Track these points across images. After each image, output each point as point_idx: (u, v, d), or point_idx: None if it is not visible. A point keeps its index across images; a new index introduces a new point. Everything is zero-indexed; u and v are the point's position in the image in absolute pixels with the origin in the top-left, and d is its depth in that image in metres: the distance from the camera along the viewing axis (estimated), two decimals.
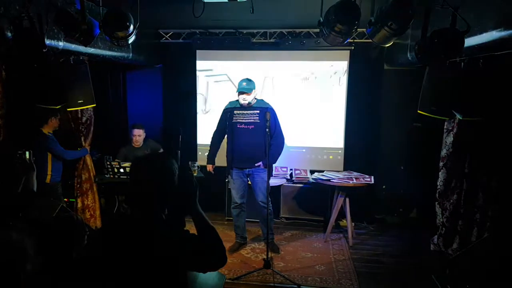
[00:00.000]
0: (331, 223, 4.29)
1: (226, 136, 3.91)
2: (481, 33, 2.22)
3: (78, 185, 4.36)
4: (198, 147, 5.11)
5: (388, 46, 4.19)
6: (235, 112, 3.78)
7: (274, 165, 4.54)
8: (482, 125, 3.42)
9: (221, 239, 1.48)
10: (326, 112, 4.82)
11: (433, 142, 4.16)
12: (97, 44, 3.45)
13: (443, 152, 3.89)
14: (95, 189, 4.39)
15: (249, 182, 3.97)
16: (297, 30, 4.71)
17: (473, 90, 2.87)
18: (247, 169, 3.81)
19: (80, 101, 3.47)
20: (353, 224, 4.47)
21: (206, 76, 5.01)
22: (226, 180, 4.46)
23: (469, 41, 2.39)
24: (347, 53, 4.67)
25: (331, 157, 4.90)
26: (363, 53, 4.69)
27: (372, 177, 4.18)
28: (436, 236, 4.07)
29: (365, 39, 4.46)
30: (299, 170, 4.91)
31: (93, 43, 3.28)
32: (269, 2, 3.66)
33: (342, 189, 4.12)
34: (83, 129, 4.21)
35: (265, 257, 3.51)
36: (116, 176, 4.16)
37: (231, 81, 4.89)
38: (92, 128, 4.27)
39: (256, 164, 3.75)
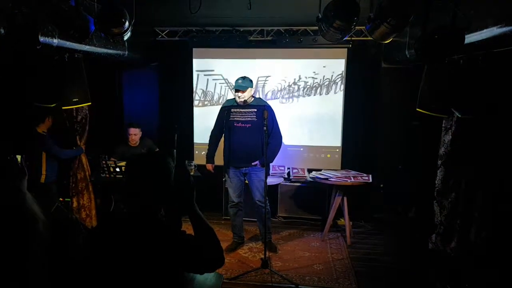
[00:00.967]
0: (328, 222, 4.27)
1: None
2: (481, 29, 2.20)
3: (74, 185, 4.31)
4: (194, 146, 5.07)
5: (385, 44, 4.18)
6: (232, 110, 3.74)
7: (271, 164, 4.52)
8: (481, 123, 3.41)
9: (218, 239, 1.45)
10: (323, 111, 4.80)
11: (432, 140, 4.14)
12: (92, 41, 3.40)
13: (441, 150, 3.87)
14: (90, 188, 4.34)
15: (246, 182, 3.93)
16: (294, 28, 4.67)
17: (472, 88, 2.85)
18: (244, 168, 3.77)
19: (75, 100, 3.44)
20: (351, 223, 4.45)
21: (205, 75, 4.97)
22: (224, 179, 4.43)
23: (469, 38, 2.37)
24: (344, 51, 4.65)
25: (328, 155, 4.88)
26: (360, 51, 4.67)
27: (370, 175, 4.15)
28: (434, 234, 4.05)
29: (363, 37, 4.44)
30: (296, 169, 4.88)
31: (88, 40, 3.25)
32: (264, 0, 3.62)
33: (340, 188, 4.09)
34: (78, 128, 4.16)
35: (262, 256, 3.48)
36: (112, 176, 4.12)
37: (226, 82, 4.86)
38: (87, 127, 4.22)
39: (253, 163, 3.72)
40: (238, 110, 3.72)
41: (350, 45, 4.61)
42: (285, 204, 4.82)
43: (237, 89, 3.64)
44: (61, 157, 4.03)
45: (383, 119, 4.78)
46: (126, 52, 4.10)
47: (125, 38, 2.59)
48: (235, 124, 3.71)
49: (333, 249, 4.04)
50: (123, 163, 4.12)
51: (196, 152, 5.06)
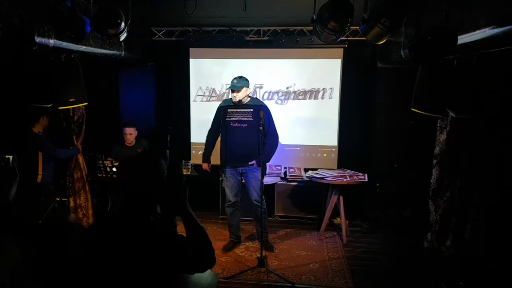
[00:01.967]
0: (325, 221, 4.30)
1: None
2: (474, 30, 2.22)
3: (70, 184, 4.31)
4: (191, 146, 5.09)
5: (381, 44, 4.20)
6: (228, 110, 3.76)
7: (268, 164, 4.54)
8: (475, 123, 3.44)
9: (210, 240, 1.47)
10: (320, 110, 4.82)
11: (427, 140, 4.17)
12: (89, 42, 3.40)
13: (436, 149, 3.90)
14: (87, 188, 4.34)
15: (243, 181, 3.95)
16: (291, 28, 4.69)
17: (466, 88, 2.88)
18: (241, 168, 3.79)
19: (71, 100, 3.45)
20: (347, 222, 4.47)
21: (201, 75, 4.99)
22: (220, 179, 4.44)
23: (462, 39, 2.39)
24: (340, 51, 4.67)
25: (325, 155, 4.90)
26: (356, 51, 4.70)
27: (366, 175, 4.18)
28: (429, 233, 4.08)
29: (359, 37, 4.46)
30: (293, 168, 4.91)
31: (85, 40, 3.25)
32: (260, 0, 3.64)
33: (336, 187, 4.12)
34: (75, 128, 4.16)
35: (259, 255, 3.50)
36: (109, 175, 4.12)
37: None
38: (84, 127, 4.22)
39: (249, 163, 3.73)
40: (234, 110, 3.74)
41: (346, 45, 4.63)
42: (282, 203, 4.84)
43: (232, 89, 3.66)
44: (57, 157, 4.03)
45: (379, 118, 4.81)
46: (123, 52, 4.10)
47: (121, 38, 2.61)
48: (231, 124, 3.73)
49: (329, 248, 4.07)
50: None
51: (193, 151, 5.07)
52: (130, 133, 4.44)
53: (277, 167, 4.89)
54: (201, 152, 4.03)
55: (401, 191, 4.82)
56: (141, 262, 1.33)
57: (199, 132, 4.85)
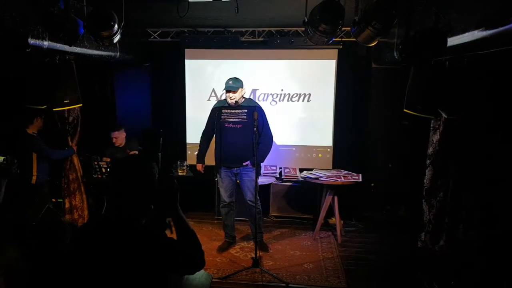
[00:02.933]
0: (319, 221, 4.32)
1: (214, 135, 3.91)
2: (463, 32, 2.25)
3: (66, 185, 4.32)
4: (187, 146, 5.10)
5: (375, 45, 4.23)
6: (223, 111, 3.78)
7: (263, 164, 4.56)
8: (468, 124, 3.47)
9: (200, 243, 1.49)
10: (315, 110, 4.85)
11: (421, 140, 4.19)
12: (83, 43, 3.42)
13: (430, 150, 3.93)
14: (82, 189, 4.35)
15: (238, 181, 3.97)
16: (286, 29, 4.71)
17: (458, 89, 2.91)
18: (235, 168, 3.81)
19: (66, 101, 3.46)
20: (341, 221, 4.50)
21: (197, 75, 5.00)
22: (215, 179, 4.46)
23: (453, 41, 2.42)
24: (335, 51, 4.69)
25: (320, 155, 4.93)
26: (351, 51, 4.72)
27: (360, 175, 4.21)
28: (423, 233, 4.11)
29: (353, 37, 4.48)
30: (288, 168, 4.93)
31: (79, 42, 3.27)
32: (254, 2, 3.65)
33: (331, 187, 4.15)
34: (69, 129, 4.17)
35: (254, 256, 3.52)
36: (104, 176, 4.14)
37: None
38: (79, 128, 4.23)
39: (244, 163, 3.75)
40: (229, 111, 3.76)
41: (341, 46, 4.65)
42: (277, 203, 4.86)
43: (228, 89, 3.67)
44: (52, 158, 4.04)
45: (374, 118, 4.84)
46: (118, 53, 4.11)
47: (115, 40, 2.62)
48: (226, 125, 3.75)
49: (324, 248, 4.09)
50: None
51: (189, 152, 5.09)
52: (116, 137, 4.44)
53: (272, 168, 4.91)
54: (196, 152, 4.04)
55: (395, 191, 4.85)
56: (132, 263, 1.35)
57: (194, 132, 4.86)
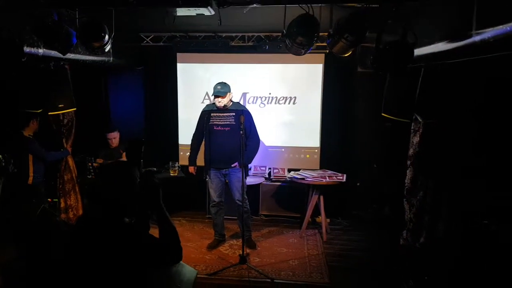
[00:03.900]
0: (306, 219, 4.49)
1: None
2: (429, 44, 2.42)
3: (61, 186, 4.47)
4: (179, 147, 5.26)
5: (360, 50, 4.41)
6: (212, 114, 3.93)
7: (252, 164, 4.73)
8: (445, 126, 3.64)
9: (179, 239, 1.65)
10: (302, 113, 5.01)
11: (403, 141, 4.36)
12: (77, 49, 3.56)
13: (410, 151, 4.10)
14: (77, 189, 4.50)
15: (227, 182, 4.12)
16: (274, 34, 4.87)
17: (432, 94, 3.08)
18: (224, 169, 3.97)
19: (60, 105, 3.61)
20: (328, 220, 4.68)
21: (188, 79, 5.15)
22: (205, 179, 4.62)
23: (422, 50, 2.59)
24: (322, 56, 4.86)
25: (308, 156, 5.10)
26: (337, 56, 4.85)
27: (345, 175, 4.38)
28: (405, 231, 4.29)
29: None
30: (277, 168, 5.10)
31: (73, 48, 3.40)
32: (240, 9, 3.80)
33: (316, 187, 4.31)
34: (64, 131, 4.32)
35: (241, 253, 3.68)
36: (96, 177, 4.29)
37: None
38: (73, 130, 4.37)
39: (232, 165, 3.91)
40: (217, 114, 3.92)
41: (328, 51, 4.79)
42: (267, 202, 5.02)
43: (217, 95, 3.82)
44: (47, 159, 4.18)
45: (359, 121, 5.01)
46: (111, 58, 4.26)
47: (106, 50, 2.77)
48: (214, 128, 3.90)
49: (310, 245, 4.26)
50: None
51: (181, 153, 5.24)
52: (115, 137, 4.62)
53: (261, 168, 5.08)
54: (188, 153, 4.20)
55: (380, 190, 5.02)
56: (116, 259, 1.51)
57: (186, 134, 5.02)
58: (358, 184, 5.08)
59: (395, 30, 2.47)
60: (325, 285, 3.44)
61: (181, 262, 2.77)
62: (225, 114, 3.90)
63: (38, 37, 2.69)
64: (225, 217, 4.26)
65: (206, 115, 3.97)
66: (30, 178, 4.09)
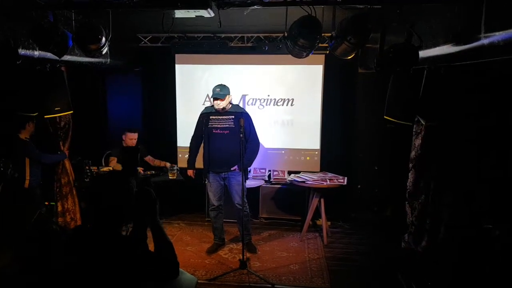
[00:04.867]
0: (306, 223, 4.44)
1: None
2: (434, 47, 2.37)
3: (58, 189, 4.40)
4: (178, 150, 5.20)
5: (361, 50, 4.35)
6: (210, 117, 3.87)
7: (252, 167, 4.68)
8: (447, 129, 3.59)
9: (175, 254, 1.59)
10: (302, 114, 4.96)
11: (405, 143, 4.31)
12: (74, 51, 3.49)
13: (412, 154, 4.05)
14: (74, 192, 4.43)
15: (226, 185, 4.06)
16: (274, 35, 4.81)
17: (435, 96, 3.03)
18: (223, 173, 3.91)
19: (57, 109, 3.54)
20: (329, 223, 4.63)
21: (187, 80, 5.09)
22: (204, 182, 4.56)
23: (427, 53, 2.54)
24: (322, 57, 4.80)
25: (308, 158, 5.05)
26: (337, 57, 4.80)
27: (346, 178, 4.33)
28: (406, 234, 4.24)
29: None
30: (277, 171, 5.04)
31: (70, 50, 3.35)
32: (238, 14, 3.75)
33: (317, 190, 4.26)
34: (61, 134, 4.24)
35: (241, 257, 3.63)
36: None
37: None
38: (70, 133, 4.30)
39: (231, 168, 3.86)
40: (216, 117, 3.86)
41: (328, 52, 4.75)
42: (267, 205, 4.97)
43: (216, 97, 3.76)
44: (44, 162, 4.11)
45: (360, 122, 4.96)
46: (109, 60, 4.19)
47: (103, 52, 2.71)
48: (213, 131, 3.85)
49: (310, 249, 4.21)
50: (106, 169, 4.25)
51: (180, 155, 5.18)
52: (135, 138, 4.58)
53: (261, 170, 5.02)
54: (187, 156, 4.14)
55: (381, 193, 4.98)
56: (111, 270, 1.45)
57: (185, 136, 4.95)
58: (359, 186, 5.04)
59: (399, 32, 2.42)
60: None
61: (181, 270, 2.72)
62: (224, 117, 3.84)
63: (34, 40, 2.62)
64: (224, 220, 4.21)
65: (205, 118, 3.91)
66: (27, 182, 4.03)
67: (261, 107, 5.00)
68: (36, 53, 3.03)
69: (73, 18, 2.76)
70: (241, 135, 3.53)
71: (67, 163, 4.39)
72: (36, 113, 3.48)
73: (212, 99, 3.84)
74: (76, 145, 4.46)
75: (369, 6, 2.38)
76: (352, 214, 5.07)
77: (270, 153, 5.02)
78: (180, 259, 1.66)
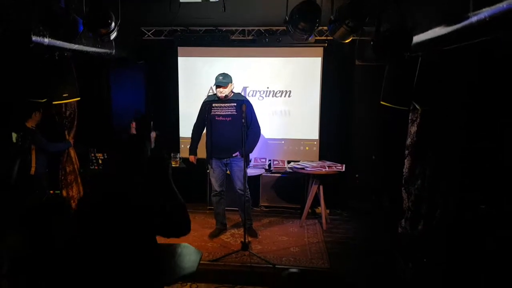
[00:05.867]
0: (306, 209, 4.56)
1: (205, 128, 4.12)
2: (427, 30, 2.50)
3: (63, 177, 4.50)
4: (180, 140, 5.32)
5: (358, 43, 4.50)
6: (213, 105, 3.99)
7: (252, 156, 4.79)
8: (441, 115, 3.73)
9: (187, 212, 1.71)
10: (302, 105, 5.09)
11: (401, 132, 4.44)
12: (81, 41, 3.61)
13: (408, 141, 4.18)
14: (79, 180, 4.54)
15: (228, 172, 4.18)
16: (274, 28, 4.95)
17: (429, 81, 3.16)
18: (226, 159, 4.03)
19: (65, 95, 3.66)
20: (327, 210, 4.75)
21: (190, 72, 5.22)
22: (207, 171, 4.68)
23: (420, 37, 2.67)
24: (320, 49, 4.94)
25: (307, 148, 5.17)
26: (335, 49, 4.97)
27: (344, 165, 4.46)
28: (403, 219, 4.37)
29: (330, 35, 4.73)
30: (277, 160, 5.17)
31: (77, 39, 3.47)
32: (243, 2, 3.88)
33: (316, 176, 4.39)
34: (66, 123, 4.36)
35: (243, 240, 3.74)
36: (101, 167, 4.34)
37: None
38: (75, 122, 4.42)
39: (233, 154, 3.97)
40: (219, 104, 3.98)
41: (326, 44, 4.90)
42: (267, 194, 5.09)
43: (219, 85, 3.89)
44: (50, 150, 4.22)
45: (357, 113, 5.09)
46: (114, 51, 4.32)
47: (112, 37, 2.83)
48: (216, 118, 3.97)
49: (310, 234, 4.34)
50: None
51: (182, 146, 5.30)
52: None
53: (262, 160, 5.14)
54: (189, 145, 4.25)
55: (379, 181, 5.10)
56: (126, 230, 1.57)
57: (187, 127, 5.07)
58: (357, 175, 5.16)
59: (394, 18, 2.55)
60: (325, 269, 3.51)
61: (186, 244, 2.85)
62: (226, 105, 3.96)
63: (45, 25, 2.74)
64: (226, 208, 4.32)
65: (207, 105, 4.03)
66: (32, 169, 4.13)
67: (260, 98, 5.13)
68: (46, 40, 3.13)
69: (84, 4, 2.88)
70: (243, 121, 3.65)
71: (72, 152, 4.50)
72: (45, 100, 3.59)
73: (215, 87, 3.96)
74: (81, 134, 4.57)
75: None
76: (351, 203, 5.18)
77: (270, 143, 5.14)
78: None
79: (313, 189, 4.46)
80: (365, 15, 2.42)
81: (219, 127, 3.96)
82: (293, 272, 2.25)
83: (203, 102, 4.12)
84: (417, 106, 3.31)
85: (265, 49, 4.99)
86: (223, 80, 3.87)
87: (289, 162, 5.05)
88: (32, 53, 2.82)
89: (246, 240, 3.74)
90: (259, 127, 4.03)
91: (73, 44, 3.48)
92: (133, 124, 4.72)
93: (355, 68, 4.97)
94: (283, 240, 4.15)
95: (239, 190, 4.05)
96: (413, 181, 4.21)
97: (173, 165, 4.66)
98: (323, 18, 2.58)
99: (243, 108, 3.66)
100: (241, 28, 5.01)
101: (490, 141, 3.42)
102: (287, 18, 2.60)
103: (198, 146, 4.21)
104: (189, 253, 2.68)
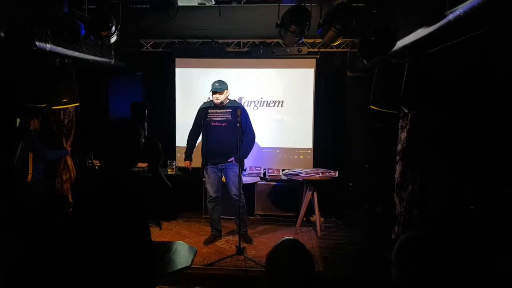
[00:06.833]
0: (300, 215, 4.60)
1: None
2: (410, 33, 2.65)
3: (59, 185, 4.54)
4: (176, 149, 5.39)
5: (350, 55, 4.67)
6: (209, 111, 4.10)
7: (248, 165, 4.87)
8: (430, 121, 3.85)
9: (173, 192, 1.78)
10: (296, 115, 5.22)
11: (393, 140, 4.55)
12: (82, 48, 3.74)
13: (399, 147, 4.28)
14: None
15: (224, 180, 4.23)
16: (268, 40, 5.12)
17: (416, 86, 3.30)
18: (221, 164, 4.10)
19: (64, 100, 3.75)
20: (322, 218, 4.78)
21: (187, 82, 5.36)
22: (203, 179, 4.74)
23: (404, 41, 2.82)
24: (313, 61, 5.12)
25: (301, 156, 5.26)
26: (328, 61, 5.16)
27: (337, 172, 4.54)
28: (396, 225, 4.41)
29: (329, 48, 4.92)
30: (272, 169, 5.24)
31: (78, 47, 3.60)
32: (239, 14, 4.06)
33: (310, 182, 4.46)
34: (64, 131, 4.42)
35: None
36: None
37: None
38: (73, 131, 4.48)
39: (228, 160, 4.05)
40: (214, 110, 4.09)
41: (318, 56, 5.08)
42: (262, 202, 5.13)
43: (215, 91, 4.01)
44: (47, 158, 4.25)
45: (350, 122, 5.22)
46: (113, 60, 4.45)
47: (112, 41, 2.96)
48: (212, 123, 4.07)
49: (304, 240, 4.36)
50: None
51: (178, 154, 5.37)
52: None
53: (257, 168, 5.22)
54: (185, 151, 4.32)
55: (372, 190, 5.17)
56: (120, 221, 1.63)
57: (183, 136, 5.15)
58: (350, 184, 5.23)
59: (379, 21, 2.70)
60: (319, 273, 3.53)
61: (181, 242, 2.89)
62: (222, 111, 4.07)
63: (48, 28, 2.86)
64: (221, 216, 4.35)
65: (203, 112, 4.14)
66: (29, 176, 4.16)
67: (255, 108, 5.25)
68: (48, 46, 3.26)
69: (86, 10, 3.01)
70: (238, 125, 3.74)
71: (69, 160, 4.54)
72: (45, 104, 3.67)
73: (211, 93, 4.08)
74: (78, 143, 4.63)
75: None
76: (345, 211, 5.23)
77: (265, 152, 5.23)
78: None
79: (307, 195, 4.52)
80: (352, 19, 2.57)
81: (214, 132, 4.05)
82: None
83: (199, 109, 4.23)
84: (405, 109, 3.43)
85: (260, 60, 5.16)
86: (219, 86, 4.00)
87: (283, 170, 5.12)
88: (33, 58, 2.93)
89: (241, 246, 3.77)
90: (253, 132, 4.13)
91: (74, 51, 3.61)
92: None
93: (347, 78, 5.14)
94: None
95: (234, 196, 4.10)
96: (405, 186, 4.29)
97: (169, 173, 4.72)
98: (313, 26, 2.73)
99: (237, 113, 3.77)
100: (236, 40, 5.18)
101: (478, 143, 3.53)
102: (278, 22, 2.75)
103: (194, 155, 4.28)
104: (183, 250, 2.72)
